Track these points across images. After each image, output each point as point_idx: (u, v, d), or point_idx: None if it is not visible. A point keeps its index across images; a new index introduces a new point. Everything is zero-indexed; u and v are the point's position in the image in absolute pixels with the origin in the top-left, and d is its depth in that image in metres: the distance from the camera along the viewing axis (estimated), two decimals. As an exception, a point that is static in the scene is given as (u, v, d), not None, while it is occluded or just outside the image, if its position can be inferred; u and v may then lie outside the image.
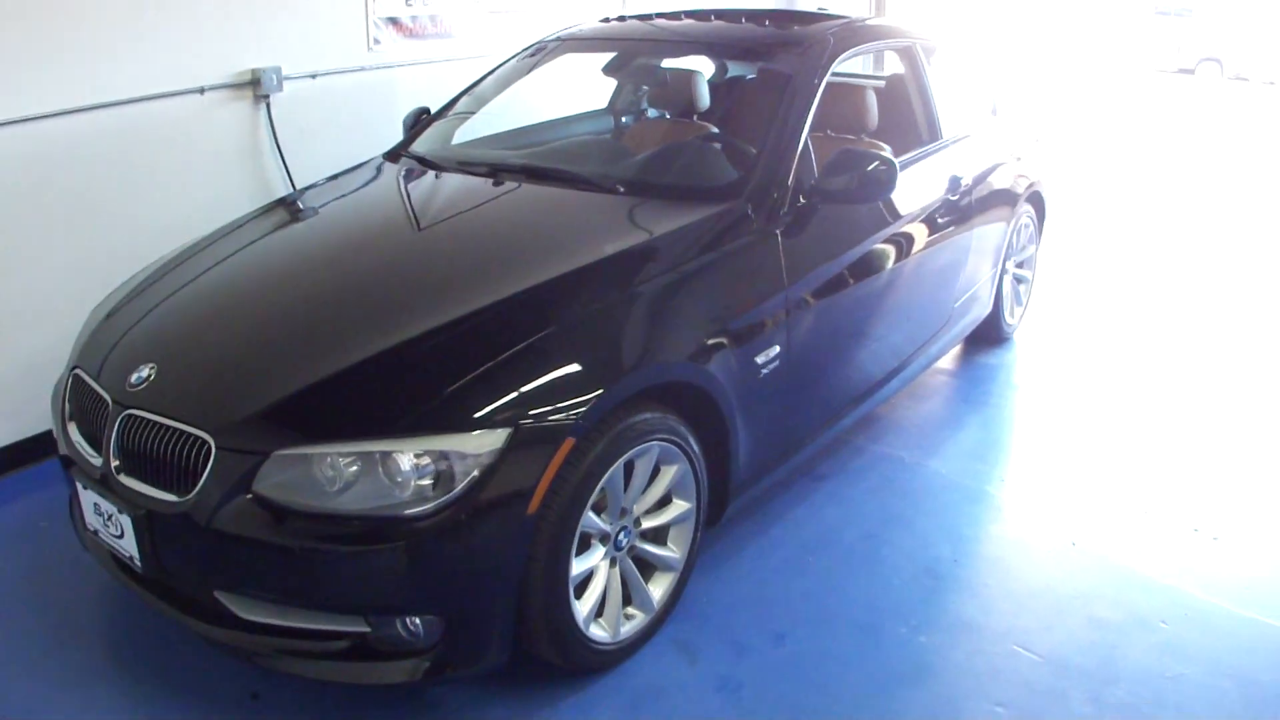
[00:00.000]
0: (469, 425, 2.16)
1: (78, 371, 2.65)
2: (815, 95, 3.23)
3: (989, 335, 4.63)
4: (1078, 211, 7.40)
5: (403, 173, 3.46)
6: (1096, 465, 3.68)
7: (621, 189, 3.07)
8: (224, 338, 2.58)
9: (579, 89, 4.47)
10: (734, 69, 4.41)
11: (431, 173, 3.40)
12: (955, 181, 3.79)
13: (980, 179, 4.00)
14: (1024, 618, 2.83)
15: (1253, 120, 14.11)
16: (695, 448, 2.62)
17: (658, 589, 2.68)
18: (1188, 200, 8.23)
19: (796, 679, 2.58)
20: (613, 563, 2.54)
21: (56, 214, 3.60)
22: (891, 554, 3.11)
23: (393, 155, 3.67)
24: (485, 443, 2.15)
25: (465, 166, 3.38)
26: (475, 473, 2.13)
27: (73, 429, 2.59)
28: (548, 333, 2.38)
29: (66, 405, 2.66)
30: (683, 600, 2.79)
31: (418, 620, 2.22)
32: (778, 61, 3.52)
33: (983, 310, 4.36)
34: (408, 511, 2.11)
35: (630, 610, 2.61)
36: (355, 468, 2.14)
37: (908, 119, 3.90)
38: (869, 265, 3.27)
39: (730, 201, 2.95)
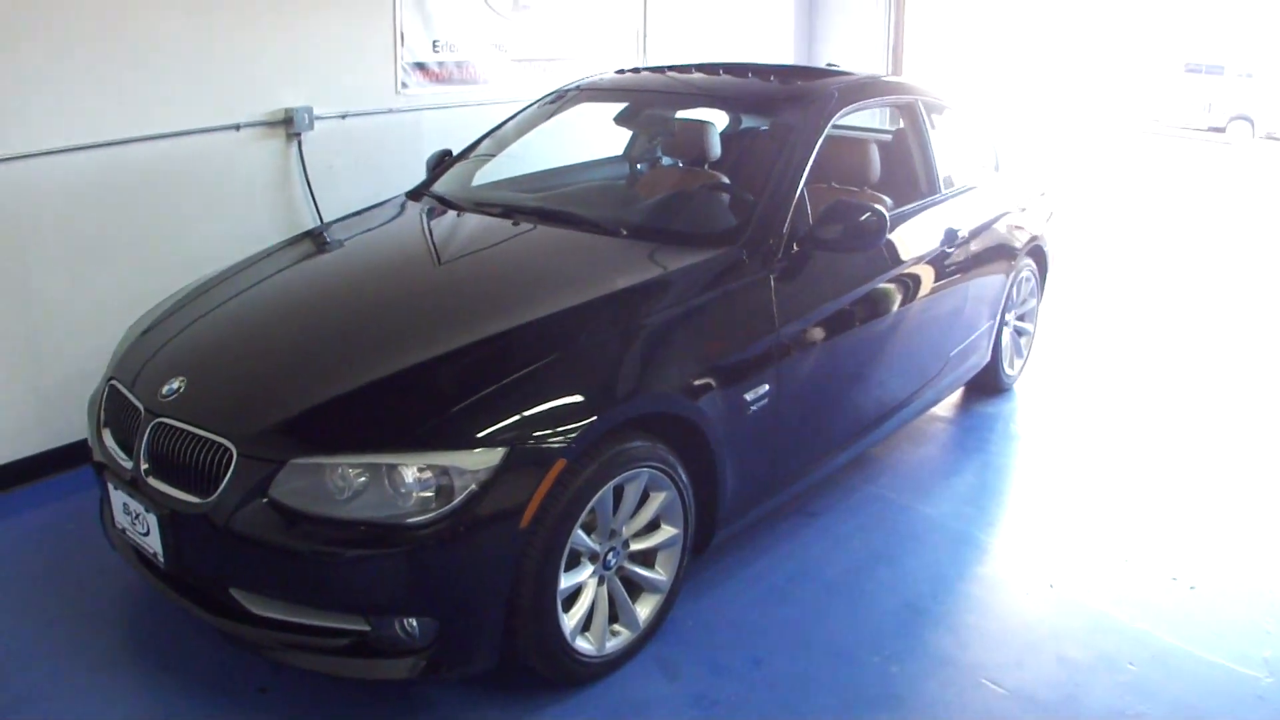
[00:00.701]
0: (469, 443, 2.34)
1: (114, 382, 2.87)
2: (813, 147, 3.41)
3: (988, 385, 4.76)
4: (1089, 266, 7.52)
5: (424, 211, 3.66)
6: (1083, 513, 3.79)
7: (625, 232, 3.26)
8: (250, 356, 2.81)
9: (595, 135, 4.67)
10: (747, 121, 4.61)
11: (451, 212, 3.61)
12: (951, 234, 3.95)
13: (978, 232, 4.16)
14: (996, 653, 2.95)
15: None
16: (684, 477, 2.78)
17: (644, 609, 2.82)
18: (1200, 260, 8.34)
19: (770, 700, 2.72)
20: (601, 581, 2.69)
21: (99, 237, 3.86)
22: (873, 588, 3.24)
23: (415, 194, 3.88)
24: (483, 460, 2.33)
25: (482, 207, 3.58)
26: (472, 487, 2.31)
27: (107, 435, 2.81)
28: (547, 362, 2.57)
29: (102, 413, 2.88)
30: (668, 621, 2.94)
31: (414, 621, 2.39)
32: (780, 115, 3.72)
33: (981, 360, 4.49)
34: (409, 520, 2.29)
35: (616, 627, 2.76)
36: (363, 478, 2.33)
37: (908, 172, 4.07)
38: (861, 312, 3.44)
39: (727, 246, 3.12)
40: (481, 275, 3.16)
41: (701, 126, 3.88)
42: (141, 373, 2.80)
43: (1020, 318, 4.88)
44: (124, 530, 2.71)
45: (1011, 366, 4.87)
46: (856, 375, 3.52)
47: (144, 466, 2.59)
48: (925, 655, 2.93)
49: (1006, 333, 4.70)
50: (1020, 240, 4.55)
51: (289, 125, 4.36)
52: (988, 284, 4.29)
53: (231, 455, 2.42)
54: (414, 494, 2.31)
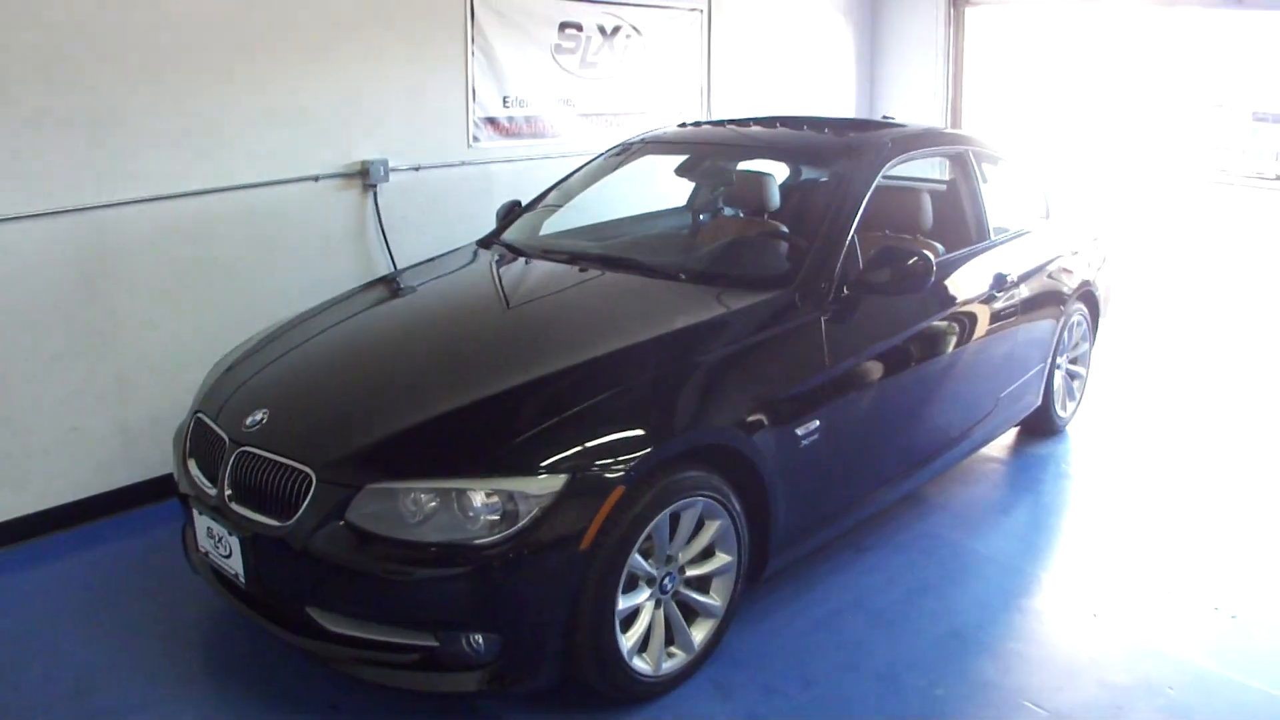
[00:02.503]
0: (533, 470, 2.56)
1: (200, 415, 3.13)
2: (864, 196, 3.60)
3: (1040, 427, 4.84)
4: (1147, 311, 7.54)
5: (495, 258, 3.91)
6: (1130, 547, 3.87)
7: (683, 276, 3.46)
8: (328, 390, 3.08)
9: (659, 186, 4.89)
10: (807, 172, 4.79)
11: (520, 259, 3.84)
12: (1000, 278, 4.08)
13: (1027, 277, 4.28)
14: (1038, 678, 3.05)
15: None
16: (737, 507, 2.95)
17: (699, 632, 2.98)
18: (1257, 307, 8.29)
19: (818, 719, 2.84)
20: (658, 604, 2.86)
21: (182, 284, 4.15)
22: (920, 617, 3.36)
23: (485, 242, 4.13)
24: (546, 486, 2.53)
25: (549, 254, 3.82)
26: (536, 511, 2.51)
27: (192, 465, 3.06)
28: (607, 396, 2.79)
29: (188, 444, 3.13)
30: (722, 645, 3.09)
31: (480, 637, 2.58)
32: (834, 165, 3.90)
33: (1033, 402, 4.59)
34: (477, 542, 2.50)
35: (672, 649, 2.92)
36: (434, 502, 2.55)
37: (959, 219, 4.22)
38: (909, 353, 3.60)
39: (780, 289, 3.31)
40: (547, 317, 3.41)
41: (759, 178, 4.08)
42: (226, 406, 3.06)
43: (1073, 361, 4.96)
44: (207, 554, 2.93)
45: (1064, 409, 4.94)
46: (906, 414, 3.67)
47: (228, 492, 2.82)
48: (968, 680, 3.04)
49: (1058, 375, 4.79)
50: (1071, 285, 4.65)
51: (365, 177, 4.65)
52: (1038, 328, 4.40)
53: (311, 481, 2.64)
54: (482, 517, 2.52)
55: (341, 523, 2.57)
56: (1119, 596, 3.51)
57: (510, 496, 2.52)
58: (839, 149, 4.00)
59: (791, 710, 2.88)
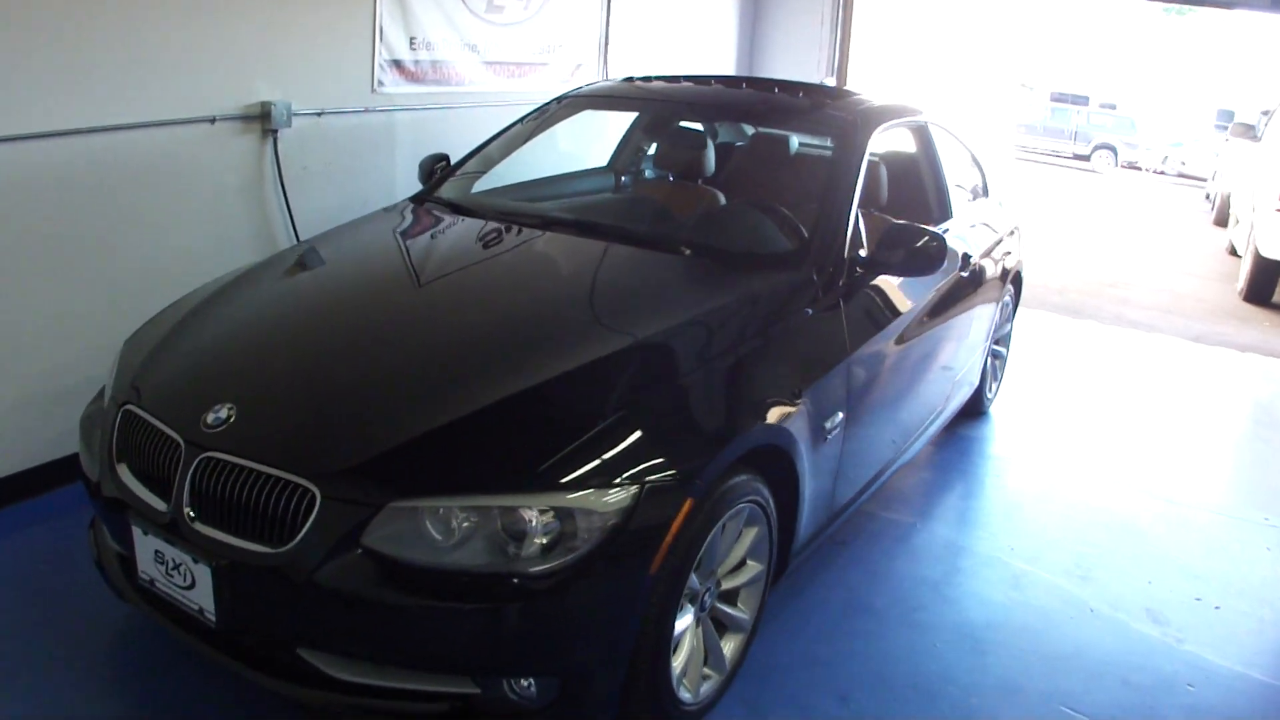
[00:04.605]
0: (597, 483, 2.15)
1: (129, 408, 2.50)
2: (860, 169, 3.36)
3: (972, 409, 4.80)
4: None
5: (446, 219, 3.43)
6: (1092, 531, 3.87)
7: (688, 251, 3.12)
8: (305, 379, 2.50)
9: (600, 143, 4.51)
10: (794, 138, 4.47)
11: (478, 221, 3.37)
12: (966, 259, 3.96)
13: (983, 256, 4.18)
14: (1063, 680, 2.95)
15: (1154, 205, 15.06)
16: (773, 511, 2.65)
17: (728, 648, 2.69)
18: (1095, 273, 8.74)
19: (867, 740, 2.63)
20: (697, 623, 2.54)
21: (55, 239, 3.43)
22: (926, 618, 3.20)
23: (421, 199, 3.64)
24: (614, 501, 2.14)
25: (511, 217, 3.37)
26: (601, 530, 2.12)
27: (124, 470, 2.45)
28: (662, 391, 2.42)
29: (115, 443, 2.50)
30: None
31: (531, 681, 2.18)
32: (827, 134, 3.65)
33: (974, 383, 4.53)
34: (533, 569, 2.08)
35: (706, 670, 2.61)
36: (469, 522, 2.11)
37: (919, 196, 4.05)
38: (908, 335, 3.41)
39: (793, 269, 3.03)
40: (551, 293, 2.95)
41: (773, 142, 3.78)
42: (166, 396, 2.47)
43: (997, 342, 4.94)
44: (153, 581, 2.36)
45: (990, 390, 4.93)
46: (902, 397, 3.50)
47: (189, 511, 2.25)
48: (997, 686, 2.90)
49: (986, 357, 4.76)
50: (1009, 264, 4.61)
51: (266, 120, 4.03)
52: (985, 309, 4.32)
53: (312, 498, 2.14)
54: (533, 539, 2.10)
55: (359, 550, 2.09)
56: (1105, 588, 3.47)
57: (569, 514, 2.10)
58: (827, 118, 3.73)
59: (835, 732, 2.66)
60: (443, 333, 2.69)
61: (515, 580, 2.07)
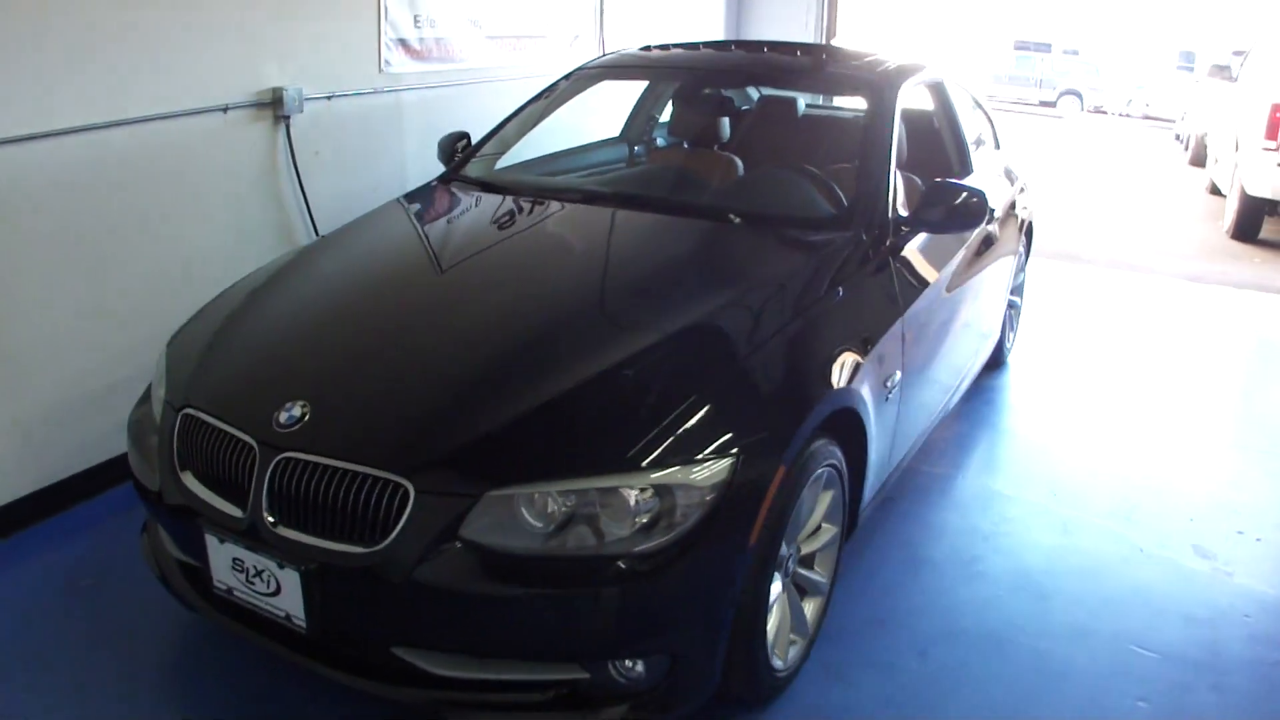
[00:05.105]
0: (694, 458, 2.15)
1: (189, 412, 2.44)
2: (893, 126, 3.36)
3: (993, 360, 4.83)
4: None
5: (481, 199, 3.40)
6: (1126, 472, 3.94)
7: (735, 218, 3.11)
8: (380, 371, 2.44)
9: (619, 114, 4.48)
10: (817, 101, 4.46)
11: (516, 200, 3.35)
12: (991, 213, 3.96)
13: (1003, 208, 4.20)
14: (1128, 621, 3.01)
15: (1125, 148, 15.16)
16: (846, 472, 2.67)
17: (809, 612, 2.71)
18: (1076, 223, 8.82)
19: (951, 692, 2.68)
20: (783, 589, 2.56)
21: (74, 235, 3.34)
22: (985, 568, 3.25)
23: (448, 179, 3.61)
24: (712, 475, 2.14)
25: (547, 194, 3.35)
26: (700, 504, 2.12)
27: (188, 478, 2.39)
28: (744, 360, 2.42)
29: (176, 450, 2.44)
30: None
31: (639, 662, 2.19)
32: (858, 95, 3.65)
33: (997, 334, 4.57)
34: (636, 549, 2.07)
35: (791, 636, 2.63)
36: (568, 506, 2.09)
37: (939, 152, 4.06)
38: (948, 290, 3.43)
39: (845, 231, 3.03)
40: (608, 270, 2.92)
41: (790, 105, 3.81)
42: (232, 399, 2.41)
43: (1013, 292, 4.98)
44: (230, 590, 2.31)
45: (1008, 340, 4.97)
46: (947, 352, 3.53)
47: (268, 517, 2.20)
48: (1064, 631, 2.95)
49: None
50: (1025, 216, 4.64)
51: (278, 107, 3.96)
52: (1006, 260, 4.35)
53: (407, 493, 2.10)
54: (634, 519, 2.09)
55: (458, 543, 2.07)
56: (1151, 529, 3.53)
57: (669, 491, 2.10)
58: (859, 79, 3.72)
59: (920, 687, 2.68)
60: (503, 317, 2.64)
61: (619, 562, 2.06)
